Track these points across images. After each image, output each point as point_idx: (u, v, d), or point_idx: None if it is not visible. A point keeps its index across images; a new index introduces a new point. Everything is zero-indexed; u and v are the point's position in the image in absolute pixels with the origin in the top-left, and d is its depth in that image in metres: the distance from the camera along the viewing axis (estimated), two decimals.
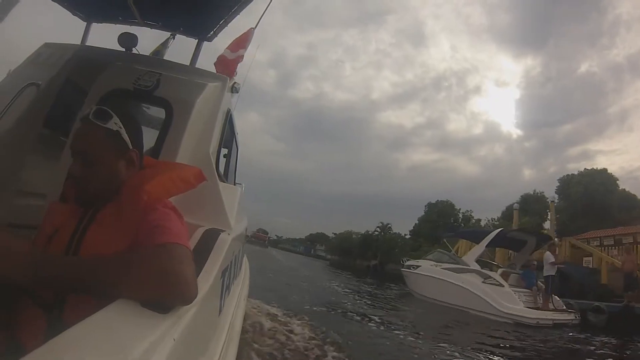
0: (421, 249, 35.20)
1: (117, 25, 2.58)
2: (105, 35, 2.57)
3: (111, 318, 0.61)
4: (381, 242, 47.55)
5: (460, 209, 45.76)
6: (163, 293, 0.72)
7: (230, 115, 2.22)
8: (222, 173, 2.17)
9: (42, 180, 1.68)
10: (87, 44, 2.42)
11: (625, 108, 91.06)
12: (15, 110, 1.72)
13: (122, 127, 1.01)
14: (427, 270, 12.59)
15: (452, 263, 12.19)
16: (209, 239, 1.25)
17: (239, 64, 2.70)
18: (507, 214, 34.78)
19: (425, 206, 48.32)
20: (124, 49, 2.16)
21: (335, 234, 66.16)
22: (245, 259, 3.22)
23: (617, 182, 30.75)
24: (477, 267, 10.85)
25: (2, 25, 2.33)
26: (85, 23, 2.54)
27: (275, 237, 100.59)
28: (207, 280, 1.00)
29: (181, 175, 1.15)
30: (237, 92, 2.36)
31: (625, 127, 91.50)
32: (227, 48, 2.80)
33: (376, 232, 50.79)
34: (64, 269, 0.75)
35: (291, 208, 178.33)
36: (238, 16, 2.44)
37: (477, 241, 11.96)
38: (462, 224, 44.26)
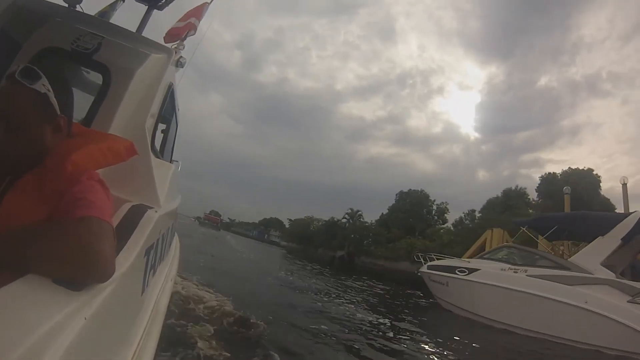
0: (402, 240, 36.09)
1: None
2: None
3: (17, 294, 0.61)
4: (350, 231, 46.83)
5: (434, 200, 46.43)
6: (76, 269, 0.72)
7: (173, 89, 2.27)
8: (158, 149, 2.22)
9: None
10: None
11: (578, 123, 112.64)
12: None
13: (50, 90, 0.99)
14: (496, 278, 8.84)
15: (551, 267, 8.29)
16: (135, 215, 1.25)
17: (187, 36, 2.72)
18: (489, 207, 37.42)
19: (397, 195, 48.43)
20: (67, 5, 2.13)
21: (291, 220, 66.15)
22: (176, 238, 3.35)
23: (600, 184, 33.36)
24: (609, 274, 7.39)
25: None
26: None
27: (227, 220, 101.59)
28: (128, 258, 1.00)
29: (112, 147, 1.15)
30: (182, 67, 2.41)
31: (576, 141, 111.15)
32: (178, 20, 2.83)
33: (344, 219, 49.73)
34: None
35: (246, 192, 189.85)
36: None
37: (594, 231, 8.10)
38: (436, 217, 45.64)
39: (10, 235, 0.74)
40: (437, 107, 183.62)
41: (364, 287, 18.65)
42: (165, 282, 2.16)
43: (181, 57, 2.37)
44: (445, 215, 45.71)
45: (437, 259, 13.48)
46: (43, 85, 0.98)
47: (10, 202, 0.89)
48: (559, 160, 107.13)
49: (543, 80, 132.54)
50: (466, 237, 26.34)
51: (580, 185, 32.97)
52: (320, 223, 55.73)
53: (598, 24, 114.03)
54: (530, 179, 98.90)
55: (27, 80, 0.95)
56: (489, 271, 9.10)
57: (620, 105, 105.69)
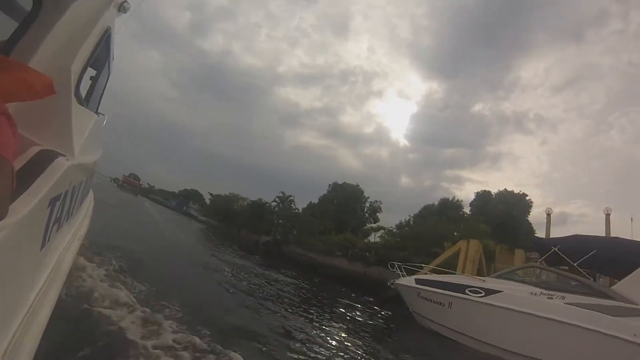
0: (339, 235, 35.74)
1: None
2: None
3: None
4: (280, 216, 45.54)
5: (368, 197, 47.42)
6: None
7: (110, 34, 2.17)
8: (83, 96, 2.12)
9: None
10: None
11: (500, 151, 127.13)
12: None
13: None
14: (527, 304, 7.53)
15: (591, 295, 7.31)
16: (42, 159, 1.21)
17: None
18: (424, 213, 39.68)
19: (329, 185, 48.63)
20: None
21: (212, 194, 63.87)
22: (91, 195, 3.31)
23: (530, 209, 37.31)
24: None
25: None
26: None
27: (147, 186, 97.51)
28: (26, 205, 0.95)
29: (27, 80, 1.10)
30: (125, 12, 2.30)
31: (496, 167, 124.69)
32: None
33: (275, 203, 48.29)
34: None
35: (169, 159, 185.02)
36: None
37: (634, 259, 7.49)
38: (367, 214, 46.48)
39: None
40: (373, 109, 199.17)
41: (305, 284, 16.41)
42: (72, 240, 2.12)
43: (125, 1, 2.27)
44: (377, 214, 46.66)
45: (427, 272, 11.25)
46: None
47: None
48: (477, 180, 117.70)
49: (477, 107, 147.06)
50: (417, 240, 25.34)
51: (516, 207, 34.92)
52: (245, 203, 53.49)
53: (536, 71, 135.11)
54: (448, 193, 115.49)
55: None
56: (516, 295, 7.72)
57: (540, 145, 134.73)
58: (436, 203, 41.95)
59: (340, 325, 9.62)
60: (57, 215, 1.46)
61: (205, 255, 17.40)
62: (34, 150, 1.23)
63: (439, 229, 26.88)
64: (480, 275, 12.15)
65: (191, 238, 24.49)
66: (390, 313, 13.30)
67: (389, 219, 45.59)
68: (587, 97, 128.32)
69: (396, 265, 12.42)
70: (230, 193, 57.43)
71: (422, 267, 13.42)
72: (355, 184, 47.89)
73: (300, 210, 46.13)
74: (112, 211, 17.87)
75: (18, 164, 1.04)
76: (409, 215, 40.08)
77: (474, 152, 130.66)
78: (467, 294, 8.55)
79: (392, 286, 12.22)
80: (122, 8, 2.30)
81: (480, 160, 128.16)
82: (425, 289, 9.85)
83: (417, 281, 10.45)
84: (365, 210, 46.72)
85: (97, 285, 5.61)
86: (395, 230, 36.68)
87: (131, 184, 79.97)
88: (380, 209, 46.87)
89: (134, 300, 5.78)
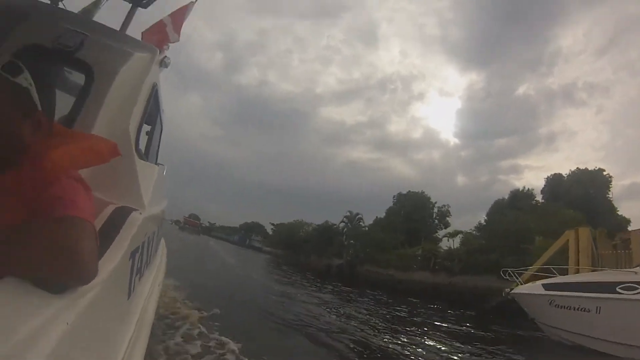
0: (416, 246, 34.77)
1: None
2: None
3: None
4: (350, 237, 45.29)
5: (435, 203, 45.40)
6: (56, 270, 0.74)
7: (157, 90, 2.38)
8: (143, 151, 2.33)
9: None
10: None
11: (554, 131, 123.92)
12: None
13: (32, 85, 1.06)
14: None
15: None
16: (119, 216, 1.30)
17: (171, 41, 2.88)
18: (495, 209, 37.50)
19: (394, 197, 47.52)
20: (49, 1, 2.26)
21: (273, 224, 65.87)
22: (162, 242, 3.52)
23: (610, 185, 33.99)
24: None
25: None
26: None
27: (207, 224, 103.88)
28: (112, 260, 1.03)
29: (93, 147, 1.19)
30: (167, 67, 2.51)
31: (552, 148, 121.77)
32: (162, 18, 2.97)
33: (343, 223, 47.89)
34: None
35: (225, 195, 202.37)
36: None
37: None
38: (436, 220, 44.81)
39: None
40: (417, 112, 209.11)
41: (395, 305, 15.95)
42: (152, 286, 2.26)
43: (165, 56, 2.47)
44: (447, 219, 44.46)
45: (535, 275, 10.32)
46: (25, 80, 1.04)
47: None
48: (535, 166, 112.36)
49: (521, 89, 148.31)
50: (505, 238, 23.48)
51: (592, 185, 31.71)
52: (310, 228, 54.06)
53: (575, 37, 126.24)
54: (507, 185, 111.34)
55: (10, 73, 1.02)
56: None
57: (595, 114, 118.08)
58: (506, 197, 39.65)
59: (459, 345, 9.12)
60: (138, 266, 1.58)
61: (282, 285, 17.73)
62: (109, 209, 1.34)
63: (523, 223, 24.68)
64: (594, 268, 10.86)
65: (261, 271, 25.26)
66: (506, 328, 12.35)
67: (455, 223, 43.96)
68: (635, 52, 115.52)
69: (509, 272, 11.32)
70: (295, 220, 58.80)
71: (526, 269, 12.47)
72: (420, 191, 46.75)
73: (367, 228, 45.70)
74: (183, 253, 19.07)
75: (98, 223, 1.12)
76: (484, 216, 37.94)
77: (526, 137, 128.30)
78: (621, 293, 7.33)
79: (508, 296, 11.16)
80: (163, 64, 2.50)
81: (535, 145, 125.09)
82: (561, 295, 8.57)
83: (547, 287, 9.20)
84: (434, 216, 44.96)
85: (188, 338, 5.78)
86: (474, 232, 34.47)
87: (192, 225, 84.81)
88: (449, 212, 44.77)
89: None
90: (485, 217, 37.84)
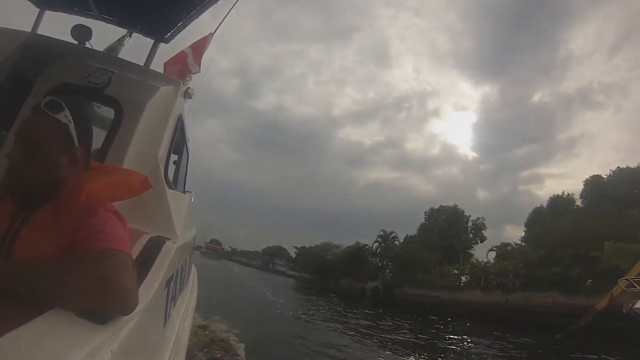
0: (465, 263, 33.36)
1: (72, 15, 2.92)
2: (58, 25, 2.92)
3: (42, 329, 0.67)
4: (384, 257, 43.68)
5: (469, 216, 44.31)
6: (100, 302, 0.79)
7: (182, 120, 2.56)
8: (171, 180, 2.52)
9: None
10: (38, 32, 2.76)
11: (573, 136, 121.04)
12: None
13: (72, 122, 1.15)
14: None
15: None
16: (154, 246, 1.39)
17: (192, 72, 3.09)
18: (535, 217, 36.55)
19: (426, 213, 46.89)
20: (76, 42, 2.45)
21: (297, 247, 65.58)
22: (193, 269, 3.74)
23: None
24: None
25: None
26: (39, 10, 2.87)
27: (229, 249, 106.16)
28: (149, 289, 1.10)
29: (126, 180, 1.30)
30: (190, 98, 2.69)
31: (573, 154, 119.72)
32: (184, 49, 3.20)
33: (376, 243, 46.31)
34: None
35: (247, 220, 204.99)
36: (197, 20, 2.83)
37: None
38: (471, 234, 43.66)
39: (31, 270, 0.83)
40: (434, 129, 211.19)
41: (462, 337, 14.16)
42: (185, 312, 2.41)
43: (189, 88, 2.63)
44: (483, 232, 43.55)
45: None
46: (65, 117, 1.13)
47: (27, 237, 1.02)
48: (557, 174, 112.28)
49: (536, 96, 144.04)
50: (568, 247, 21.45)
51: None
52: (338, 250, 53.03)
53: (585, 38, 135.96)
54: (530, 195, 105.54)
55: (51, 110, 1.11)
56: None
57: (614, 114, 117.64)
58: (545, 204, 39.14)
59: None
60: (173, 293, 1.69)
61: (315, 315, 17.17)
62: (144, 239, 1.44)
63: (588, 228, 22.20)
64: None
65: (291, 300, 24.15)
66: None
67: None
68: None
69: (631, 281, 9.82)
70: (321, 242, 58.01)
71: None
72: (453, 205, 45.70)
73: (400, 247, 44.20)
74: (209, 280, 17.95)
75: (134, 253, 1.19)
76: (523, 228, 36.99)
77: (545, 145, 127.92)
78: None
79: (633, 313, 9.37)
80: (187, 95, 2.65)
81: (555, 152, 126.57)
82: None
83: None
84: (469, 230, 43.87)
85: None
86: (520, 244, 32.71)
87: (213, 250, 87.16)
88: (485, 225, 43.85)
89: None
90: (525, 228, 37.02)
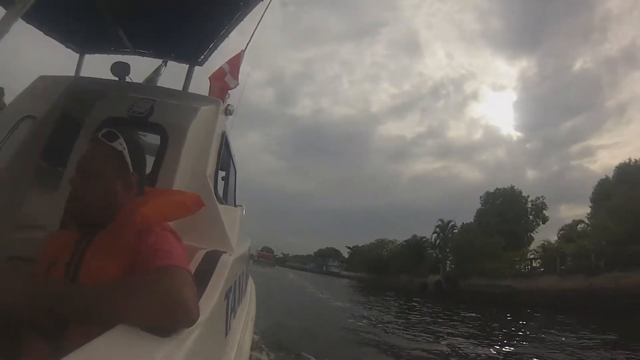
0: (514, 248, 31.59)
1: (110, 55, 3.17)
2: (98, 65, 3.16)
3: (111, 344, 0.72)
4: (444, 248, 42.19)
5: (528, 196, 41.56)
6: (164, 317, 0.85)
7: (226, 137, 2.67)
8: (222, 195, 2.64)
9: (42, 212, 1.99)
10: (81, 74, 3.03)
11: (622, 101, 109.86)
12: (12, 144, 2.06)
13: (126, 149, 1.24)
14: None
15: None
16: (210, 260, 1.46)
17: (230, 87, 3.28)
18: (600, 191, 34.16)
19: (481, 197, 44.57)
20: (117, 78, 2.65)
21: (349, 247, 65.75)
22: (250, 280, 3.83)
23: None
24: None
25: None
26: (79, 54, 3.17)
27: (281, 255, 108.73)
28: (209, 302, 1.16)
29: (179, 201, 1.38)
30: (232, 114, 2.80)
31: (624, 120, 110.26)
32: (222, 65, 3.40)
33: (435, 234, 44.92)
34: (62, 297, 0.90)
35: (296, 225, 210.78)
36: (228, 38, 2.95)
37: None
38: (531, 216, 40.79)
39: (97, 292, 0.91)
40: (474, 112, 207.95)
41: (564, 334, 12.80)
42: (245, 323, 2.51)
43: (229, 105, 2.76)
44: (544, 212, 40.93)
45: None
46: (120, 144, 1.23)
47: (90, 261, 1.12)
48: (610, 144, 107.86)
49: (577, 64, 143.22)
50: None
51: None
52: (393, 245, 51.72)
53: None
54: (583, 171, 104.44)
55: (107, 139, 1.22)
56: None
57: None
58: (600, 177, 36.76)
59: None
60: (232, 305, 1.76)
61: (386, 317, 16.16)
62: (201, 254, 1.50)
63: None
64: None
65: (357, 304, 22.86)
66: None
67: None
68: None
69: None
70: (375, 240, 57.01)
71: None
72: (510, 186, 43.44)
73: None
74: (267, 291, 17.69)
75: (192, 268, 1.25)
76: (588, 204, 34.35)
77: (593, 115, 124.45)
78: None
79: None
80: (228, 112, 2.79)
81: (604, 121, 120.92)
82: None
83: None
84: (529, 212, 41.46)
85: None
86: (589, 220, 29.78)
87: (265, 257, 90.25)
88: (546, 205, 41.07)
89: None
90: (590, 204, 34.44)
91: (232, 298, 1.70)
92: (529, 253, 30.36)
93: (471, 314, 18.40)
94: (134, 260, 1.05)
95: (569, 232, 30.79)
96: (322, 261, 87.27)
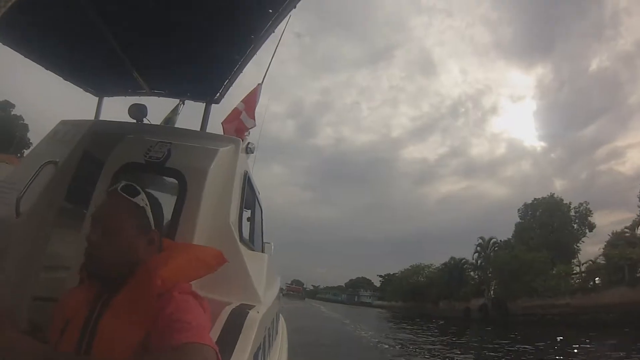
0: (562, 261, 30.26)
1: (127, 97, 3.30)
2: (117, 107, 3.26)
3: None
4: (487, 268, 39.89)
5: (570, 203, 40.04)
6: None
7: (249, 176, 2.65)
8: (247, 238, 2.59)
9: (66, 252, 2.07)
10: (100, 117, 3.14)
11: None
12: (35, 188, 2.13)
13: (148, 204, 1.25)
14: None
15: None
16: (237, 320, 1.42)
17: (250, 128, 3.31)
18: None
19: (519, 210, 43.05)
20: (135, 120, 2.67)
21: (381, 276, 66.44)
22: (282, 321, 3.86)
23: None
24: None
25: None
26: (97, 98, 3.31)
27: (311, 288, 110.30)
28: None
29: (200, 258, 1.37)
30: (253, 152, 2.80)
31: None
32: (237, 105, 3.41)
33: (476, 253, 42.91)
34: None
35: (325, 256, 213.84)
36: (244, 73, 2.98)
37: None
38: (575, 225, 38.73)
39: None
40: (495, 127, 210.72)
41: None
42: None
43: (249, 143, 2.73)
44: (589, 219, 39.04)
45: None
46: (142, 200, 1.24)
47: (107, 324, 1.09)
48: (637, 142, 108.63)
49: (594, 63, 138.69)
50: None
51: None
52: (429, 270, 50.02)
53: None
54: (612, 174, 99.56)
55: (129, 194, 1.23)
56: None
57: None
58: (631, 179, 35.57)
59: None
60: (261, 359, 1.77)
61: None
62: (226, 311, 1.46)
63: None
64: None
65: (404, 341, 20.45)
66: None
67: None
68: None
69: None
70: (411, 265, 55.43)
71: None
72: (550, 194, 42.26)
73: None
74: (300, 332, 16.25)
75: (217, 327, 1.26)
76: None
77: (616, 114, 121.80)
78: None
79: None
80: (249, 150, 2.75)
81: (628, 118, 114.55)
82: None
83: None
84: (572, 220, 39.78)
85: None
86: None
87: (295, 291, 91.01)
88: (590, 211, 39.39)
89: None
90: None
91: (261, 355, 1.70)
92: (584, 264, 28.18)
93: (537, 344, 15.67)
94: (152, 327, 1.03)
95: (621, 238, 28.20)
96: (354, 291, 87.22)
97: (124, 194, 1.20)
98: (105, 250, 1.14)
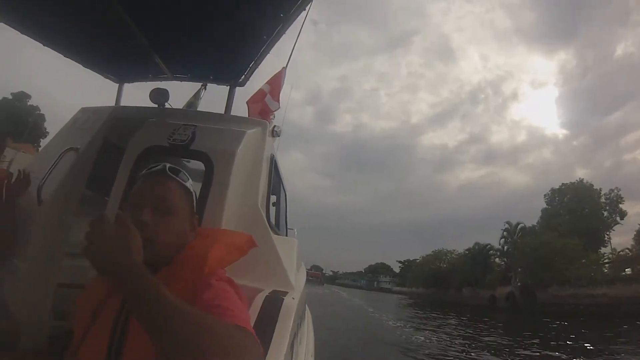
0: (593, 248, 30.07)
1: (148, 82, 3.34)
2: (138, 93, 3.41)
3: None
4: (514, 254, 37.97)
5: (600, 189, 38.97)
6: None
7: (275, 160, 2.66)
8: (274, 223, 2.59)
9: None
10: (121, 104, 3.18)
11: None
12: (56, 176, 2.17)
13: (194, 191, 1.29)
14: None
15: None
16: (272, 306, 1.42)
17: (274, 110, 3.30)
18: None
19: (546, 196, 42.27)
20: (156, 105, 2.66)
21: (400, 262, 65.99)
22: (307, 310, 3.79)
23: None
24: None
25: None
26: (118, 84, 3.36)
27: (330, 273, 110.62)
28: (277, 355, 1.13)
29: (232, 243, 1.35)
30: (279, 136, 2.78)
31: None
32: (262, 86, 3.38)
33: (503, 239, 41.79)
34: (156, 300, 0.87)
35: (344, 242, 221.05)
36: (268, 56, 2.95)
37: None
38: (605, 211, 37.84)
39: (183, 311, 0.85)
40: (516, 114, 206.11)
41: None
42: (306, 358, 2.54)
43: (275, 126, 2.70)
44: (621, 205, 38.15)
45: None
46: (191, 185, 1.28)
47: (138, 326, 1.08)
48: None
49: (619, 49, 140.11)
50: None
51: None
52: (452, 255, 49.23)
53: None
54: (638, 164, 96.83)
55: (180, 178, 1.24)
56: None
57: None
58: None
59: None
60: (295, 349, 1.78)
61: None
62: (260, 297, 1.45)
63: None
64: None
65: (436, 330, 19.80)
66: None
67: None
68: None
69: None
70: (433, 251, 54.65)
71: None
72: (579, 179, 41.14)
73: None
74: (325, 319, 15.95)
75: (252, 315, 1.25)
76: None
77: None
78: None
79: None
80: (275, 133, 2.71)
81: None
82: None
83: None
84: (603, 207, 38.97)
85: None
86: None
87: (315, 276, 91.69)
88: (622, 198, 38.32)
89: None
90: None
91: (296, 342, 1.72)
92: (620, 252, 27.08)
93: (585, 337, 15.19)
94: None
95: None
96: (373, 277, 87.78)
97: (175, 177, 1.20)
98: (159, 231, 1.11)
